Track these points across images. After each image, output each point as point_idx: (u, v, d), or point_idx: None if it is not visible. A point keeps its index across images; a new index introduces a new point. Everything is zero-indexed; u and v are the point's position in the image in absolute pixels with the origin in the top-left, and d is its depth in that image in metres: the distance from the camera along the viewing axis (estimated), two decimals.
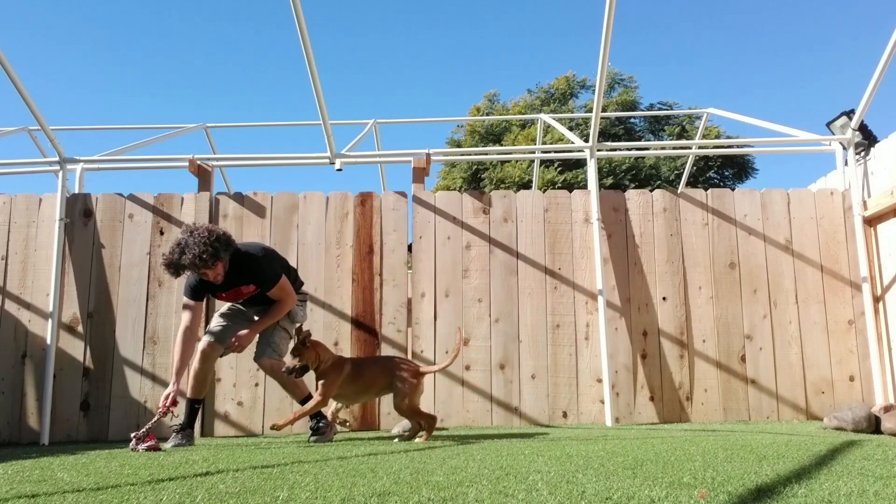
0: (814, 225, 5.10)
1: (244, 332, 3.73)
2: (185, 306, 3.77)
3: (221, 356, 3.89)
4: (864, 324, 4.88)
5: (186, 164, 5.27)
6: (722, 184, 15.54)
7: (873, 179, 5.02)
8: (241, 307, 3.96)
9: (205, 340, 3.79)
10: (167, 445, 3.57)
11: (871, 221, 4.98)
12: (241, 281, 3.71)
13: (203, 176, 5.27)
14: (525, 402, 4.82)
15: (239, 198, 5.14)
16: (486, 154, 13.60)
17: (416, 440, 3.48)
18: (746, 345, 4.93)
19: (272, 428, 3.53)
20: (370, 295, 4.98)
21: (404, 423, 4.62)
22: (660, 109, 16.30)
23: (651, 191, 5.25)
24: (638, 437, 3.50)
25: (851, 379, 4.87)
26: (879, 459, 2.20)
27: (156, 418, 3.52)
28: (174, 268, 3.50)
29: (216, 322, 3.86)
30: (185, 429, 3.73)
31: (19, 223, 5.02)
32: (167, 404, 3.55)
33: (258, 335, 3.85)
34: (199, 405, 3.85)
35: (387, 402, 4.83)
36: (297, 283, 4.01)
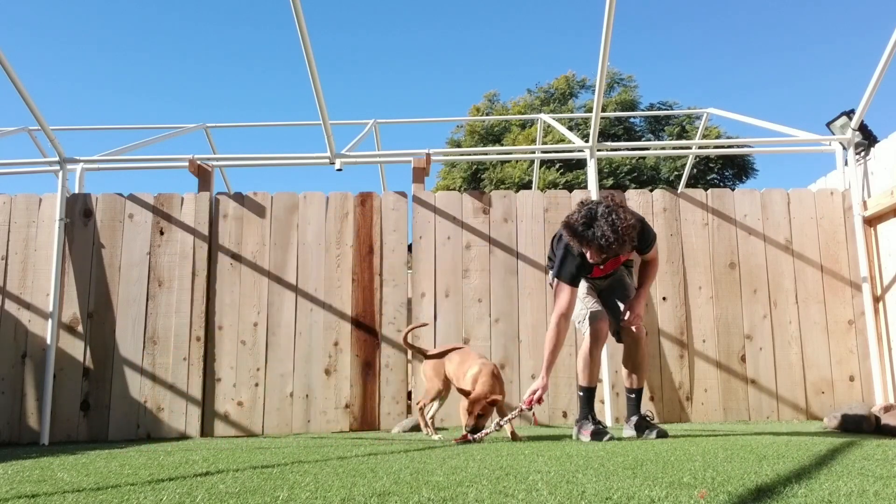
0: (814, 225, 5.09)
1: (636, 301, 3.47)
2: (561, 292, 3.40)
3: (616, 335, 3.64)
4: (864, 324, 4.88)
5: (186, 164, 5.27)
6: (722, 184, 15.54)
7: (873, 179, 5.02)
8: (594, 282, 3.64)
9: (598, 322, 3.45)
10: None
11: (871, 221, 4.98)
12: (623, 249, 3.30)
13: (203, 176, 5.27)
14: None
15: (239, 198, 5.14)
16: (486, 154, 13.59)
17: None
18: (746, 345, 4.93)
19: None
20: (370, 295, 4.98)
21: (404, 423, 4.62)
22: (660, 109, 16.29)
23: (651, 191, 5.25)
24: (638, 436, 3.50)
25: (851, 379, 4.87)
26: (879, 459, 2.20)
27: (516, 411, 3.41)
28: (580, 239, 3.17)
29: (589, 304, 3.53)
30: (585, 418, 3.44)
31: (19, 223, 5.02)
32: (534, 399, 3.32)
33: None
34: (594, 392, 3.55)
35: (386, 402, 4.84)
36: None
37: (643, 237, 3.38)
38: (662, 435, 3.33)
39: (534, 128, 13.07)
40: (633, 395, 3.55)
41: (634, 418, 3.52)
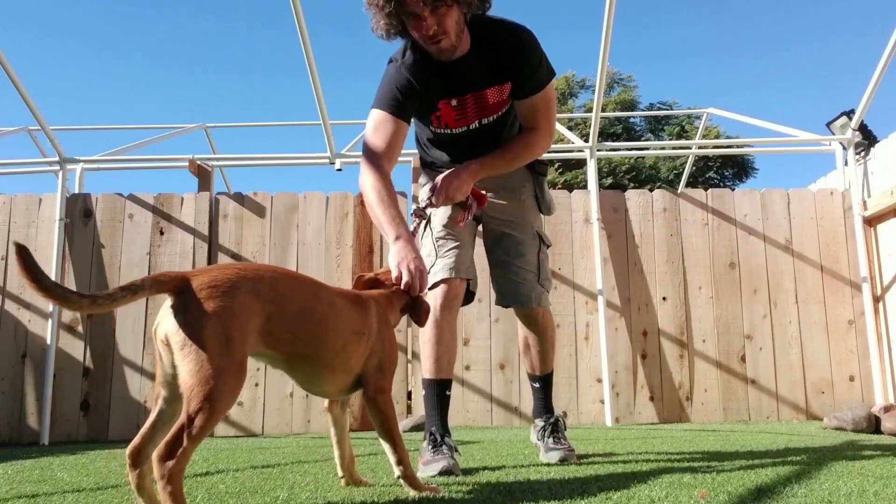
0: (814, 225, 5.09)
1: (455, 171, 2.23)
2: (375, 128, 2.16)
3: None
4: (864, 324, 4.88)
5: (186, 164, 5.27)
6: (722, 184, 15.54)
7: (873, 179, 5.02)
8: (448, 146, 2.40)
9: (441, 287, 2.28)
10: None
11: (871, 221, 4.98)
12: (486, 78, 2.21)
13: (203, 176, 5.27)
14: (525, 402, 4.82)
15: (239, 198, 5.14)
16: None
17: None
18: (746, 345, 4.93)
19: None
20: None
21: (404, 423, 4.62)
22: (659, 109, 16.29)
23: (651, 191, 5.25)
24: (638, 437, 3.50)
25: (851, 379, 4.87)
26: (879, 459, 2.20)
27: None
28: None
29: (442, 251, 2.33)
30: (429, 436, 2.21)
31: (19, 223, 5.02)
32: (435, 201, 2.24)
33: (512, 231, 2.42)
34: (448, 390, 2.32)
35: None
36: None
37: (523, 54, 2.18)
38: (564, 460, 2.29)
39: None
40: (536, 385, 2.58)
41: (540, 421, 2.51)
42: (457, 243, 2.33)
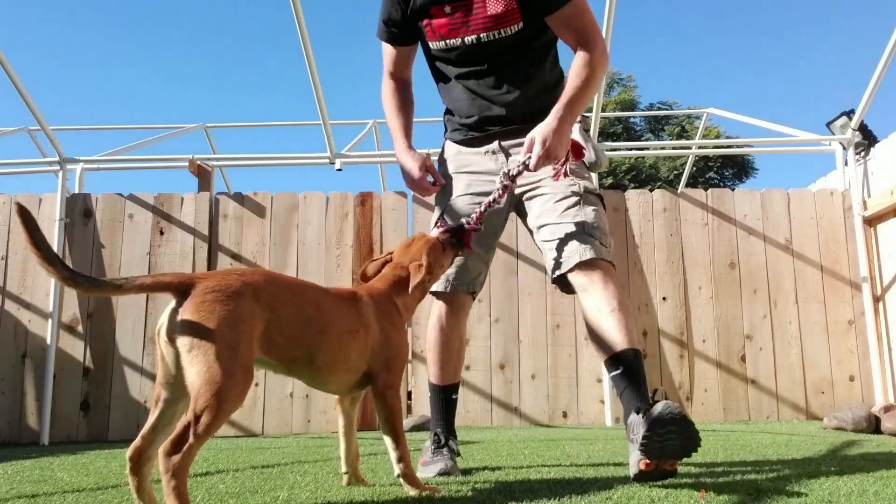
0: (814, 225, 5.09)
1: (542, 127, 1.93)
2: (383, 54, 2.32)
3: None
4: (864, 324, 4.88)
5: (186, 164, 5.27)
6: (722, 184, 15.54)
7: (873, 179, 5.02)
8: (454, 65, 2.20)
9: (444, 296, 2.28)
10: None
11: (871, 221, 4.98)
12: None
13: (203, 176, 5.26)
14: (525, 403, 4.82)
15: (239, 198, 5.14)
16: None
17: None
18: (746, 345, 4.93)
19: None
20: None
21: (404, 423, 4.61)
22: (659, 109, 16.29)
23: (651, 191, 5.25)
24: None
25: (851, 379, 4.87)
26: (879, 459, 2.20)
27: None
28: None
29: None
30: (433, 437, 2.22)
31: (19, 223, 5.01)
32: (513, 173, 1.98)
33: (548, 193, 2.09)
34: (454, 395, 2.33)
35: None
36: None
37: None
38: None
39: None
40: (618, 371, 1.87)
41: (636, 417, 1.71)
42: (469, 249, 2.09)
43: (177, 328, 1.34)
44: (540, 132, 1.92)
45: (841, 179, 5.22)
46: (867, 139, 5.17)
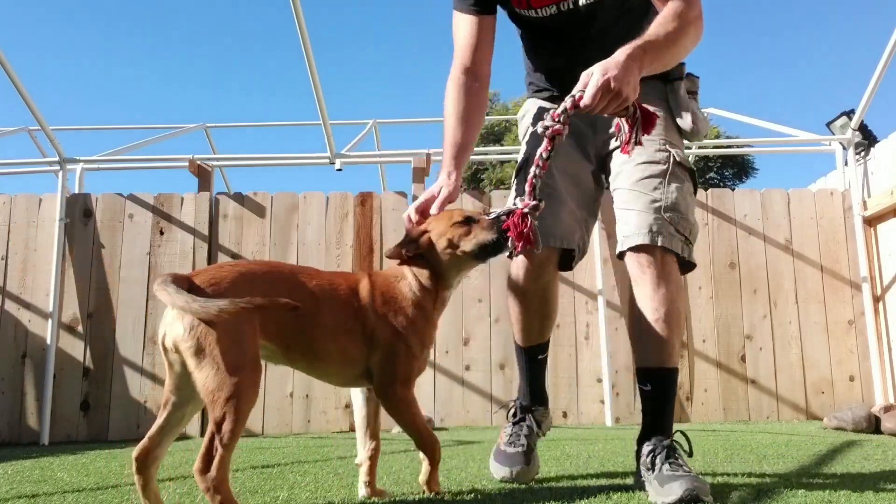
0: (814, 225, 5.09)
1: (611, 59, 1.53)
2: (454, 31, 1.97)
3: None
4: (864, 324, 4.88)
5: (186, 164, 5.26)
6: (722, 184, 15.54)
7: (873, 179, 5.02)
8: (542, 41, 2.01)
9: (521, 256, 1.98)
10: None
11: (871, 221, 4.98)
12: None
13: (203, 176, 5.26)
14: None
15: (239, 198, 5.14)
16: (486, 154, 13.57)
17: None
18: (746, 345, 4.93)
19: None
20: None
21: None
22: None
23: None
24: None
25: (851, 379, 4.87)
26: (879, 459, 2.20)
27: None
28: None
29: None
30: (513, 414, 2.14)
31: (19, 223, 5.02)
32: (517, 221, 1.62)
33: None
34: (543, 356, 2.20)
35: None
36: None
37: None
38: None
39: None
40: (647, 387, 1.77)
41: (648, 445, 1.68)
42: (552, 199, 1.80)
43: (178, 332, 1.33)
44: (600, 65, 1.53)
45: (841, 179, 5.22)
46: (867, 139, 5.17)
